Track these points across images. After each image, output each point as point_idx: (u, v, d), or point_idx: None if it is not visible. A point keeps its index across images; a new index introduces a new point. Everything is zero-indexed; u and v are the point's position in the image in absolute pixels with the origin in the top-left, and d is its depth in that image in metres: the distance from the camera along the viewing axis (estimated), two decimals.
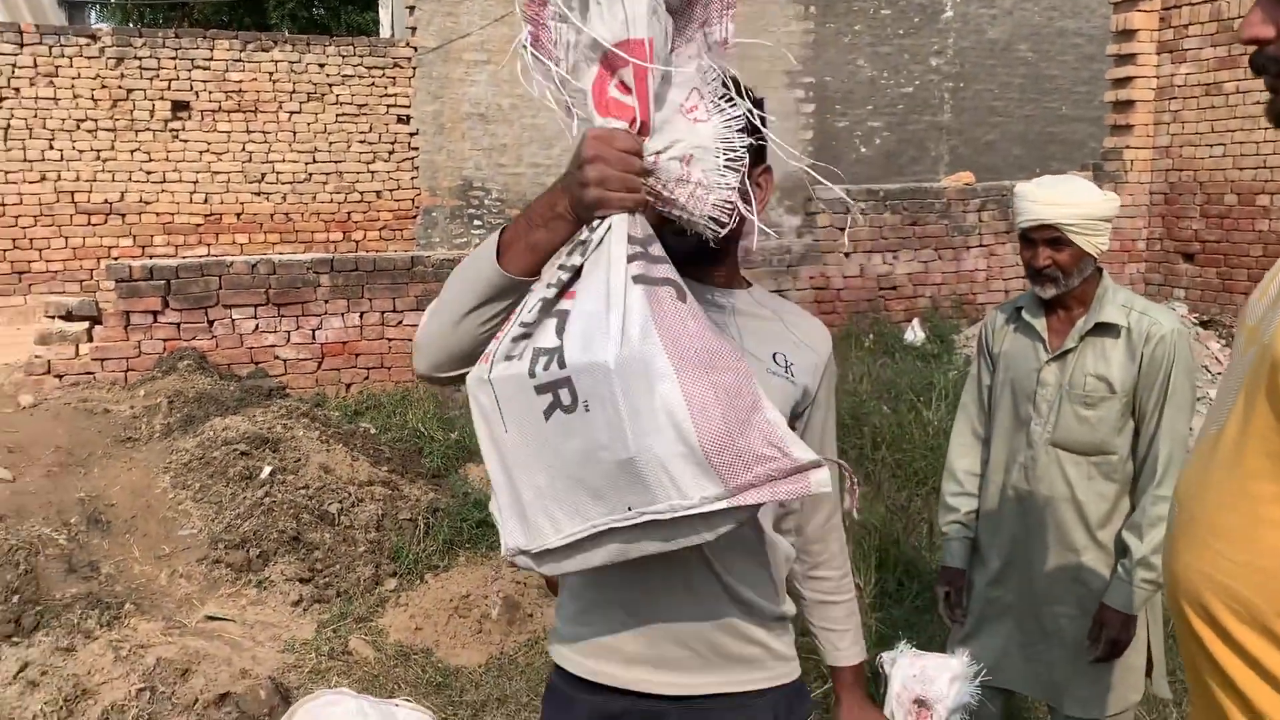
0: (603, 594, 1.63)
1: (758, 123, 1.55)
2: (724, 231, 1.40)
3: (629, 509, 1.30)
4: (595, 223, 1.32)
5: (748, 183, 1.50)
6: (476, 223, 11.40)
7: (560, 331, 1.29)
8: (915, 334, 8.34)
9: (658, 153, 1.31)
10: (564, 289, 1.33)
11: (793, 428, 1.70)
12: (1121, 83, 9.17)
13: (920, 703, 2.29)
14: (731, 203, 1.35)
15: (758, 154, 1.62)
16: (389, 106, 11.10)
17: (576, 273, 1.32)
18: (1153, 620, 2.64)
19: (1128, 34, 9.05)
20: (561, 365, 1.27)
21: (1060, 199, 2.51)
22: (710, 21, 1.35)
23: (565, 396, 1.28)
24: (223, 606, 4.56)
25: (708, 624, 1.60)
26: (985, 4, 13.32)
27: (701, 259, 1.59)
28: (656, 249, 1.33)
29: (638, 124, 1.29)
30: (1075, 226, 2.49)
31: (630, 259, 1.29)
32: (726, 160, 1.35)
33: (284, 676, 3.99)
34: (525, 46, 1.36)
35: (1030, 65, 13.60)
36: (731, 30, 1.35)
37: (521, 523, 1.38)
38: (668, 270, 1.32)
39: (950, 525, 2.84)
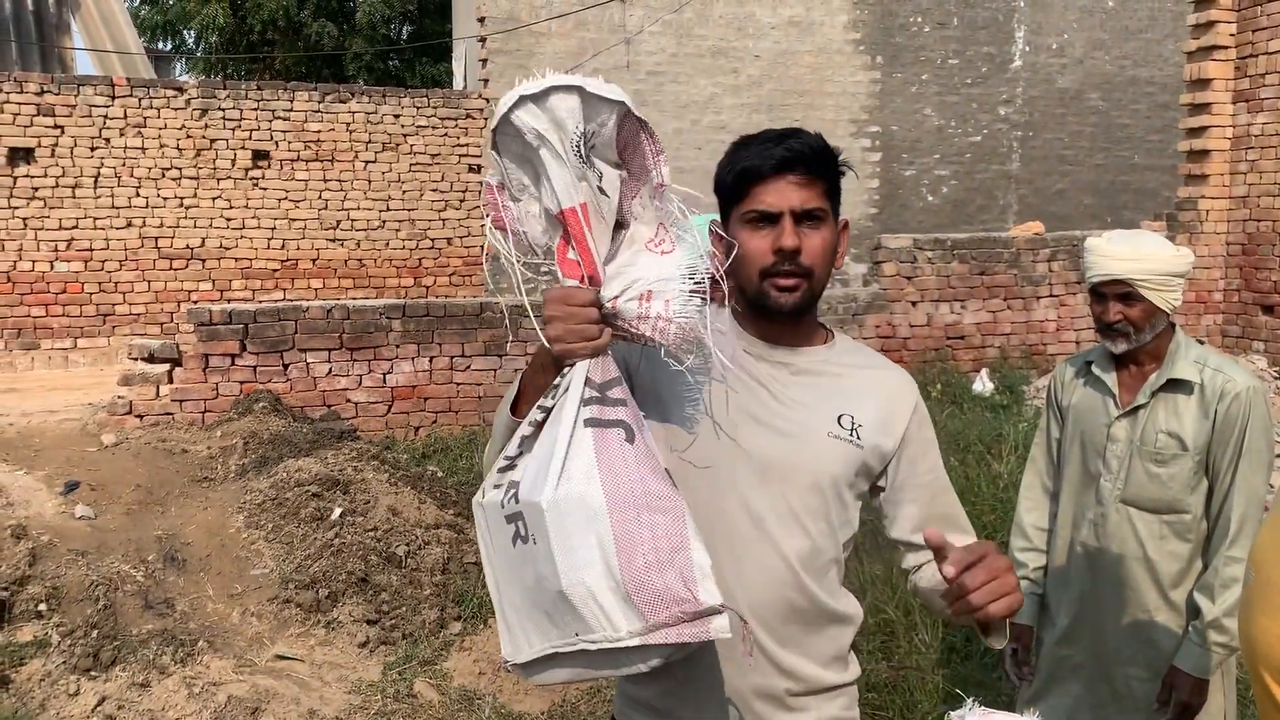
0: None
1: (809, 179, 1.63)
2: (687, 361, 1.50)
3: (575, 634, 1.39)
4: (565, 369, 1.46)
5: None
6: (544, 270, 11.55)
7: (525, 468, 1.45)
8: (984, 384, 8.25)
9: (614, 298, 1.45)
10: (539, 428, 1.47)
11: (875, 489, 1.71)
12: (1196, 132, 9.04)
13: None
14: (696, 332, 1.45)
15: (835, 210, 1.66)
16: (461, 156, 11.36)
17: (549, 414, 1.47)
18: (1227, 686, 2.57)
19: (1202, 83, 8.94)
20: (516, 500, 1.42)
21: (1132, 254, 2.49)
22: (648, 170, 1.46)
23: (521, 528, 1.42)
24: (292, 646, 4.64)
25: (751, 693, 1.62)
26: (1055, 54, 13.25)
27: (774, 320, 1.64)
28: (617, 391, 1.45)
29: (586, 279, 1.44)
30: (1147, 282, 2.47)
31: (586, 402, 1.43)
32: (691, 287, 1.45)
33: (350, 718, 4.04)
34: (489, 229, 1.54)
35: (1101, 114, 13.48)
36: (666, 173, 1.46)
37: (509, 634, 1.50)
38: (622, 412, 1.43)
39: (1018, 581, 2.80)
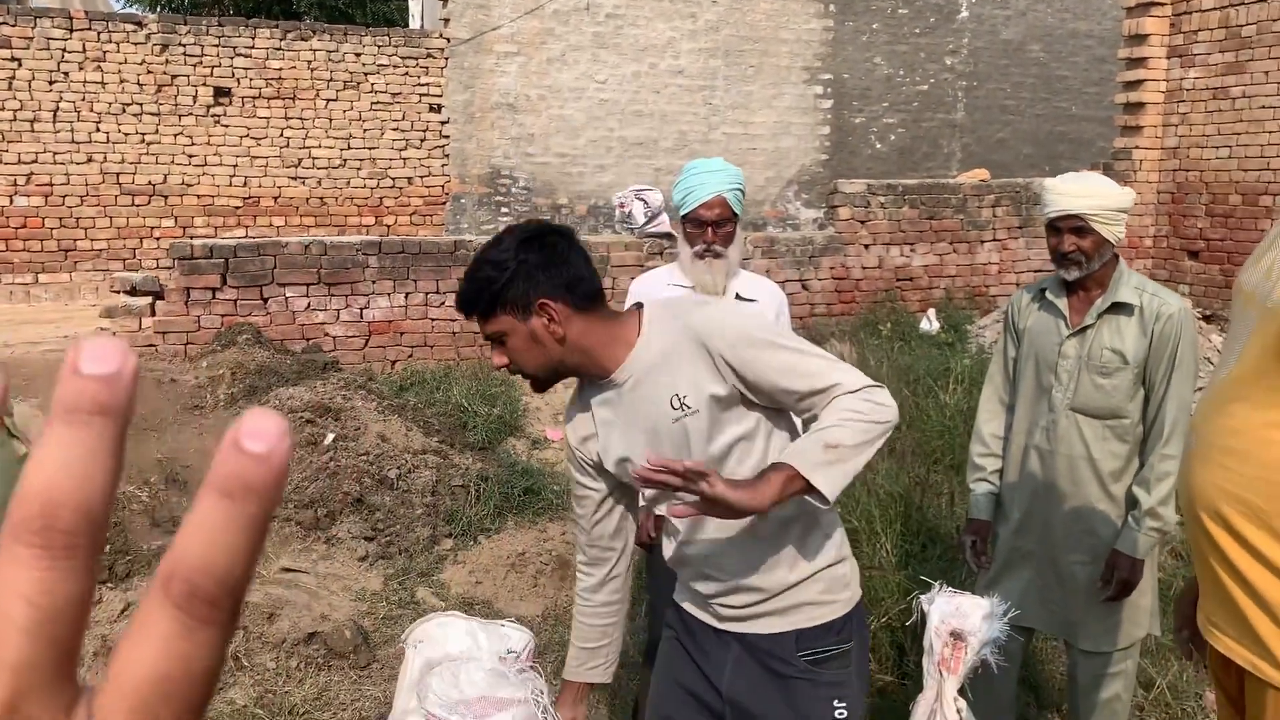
0: (676, 564, 2.21)
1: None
2: None
3: None
4: None
5: None
6: (504, 210, 11.76)
7: None
8: (930, 324, 8.70)
9: None
10: None
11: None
12: (1132, 85, 9.51)
13: (956, 635, 2.57)
14: None
15: (519, 310, 1.99)
16: (421, 95, 11.45)
17: None
18: (1151, 567, 3.01)
19: (1139, 38, 9.38)
20: None
21: (1084, 192, 2.87)
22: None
23: None
24: (296, 560, 4.94)
25: (729, 593, 2.10)
26: (999, 5, 13.64)
27: (583, 372, 2.06)
28: None
29: None
30: (1097, 216, 2.85)
31: None
32: None
33: (362, 620, 4.37)
34: None
35: (1042, 66, 13.94)
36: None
37: None
38: None
39: (977, 482, 3.20)
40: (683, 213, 3.12)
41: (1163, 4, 9.24)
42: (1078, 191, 2.88)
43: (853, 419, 1.84)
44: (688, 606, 2.21)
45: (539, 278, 1.94)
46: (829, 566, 2.10)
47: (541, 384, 2.03)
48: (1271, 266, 1.56)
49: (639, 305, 2.07)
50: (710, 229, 3.06)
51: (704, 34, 12.23)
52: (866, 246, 8.97)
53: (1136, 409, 2.90)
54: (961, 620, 2.59)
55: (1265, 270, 1.57)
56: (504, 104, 11.65)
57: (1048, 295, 3.05)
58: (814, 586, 2.08)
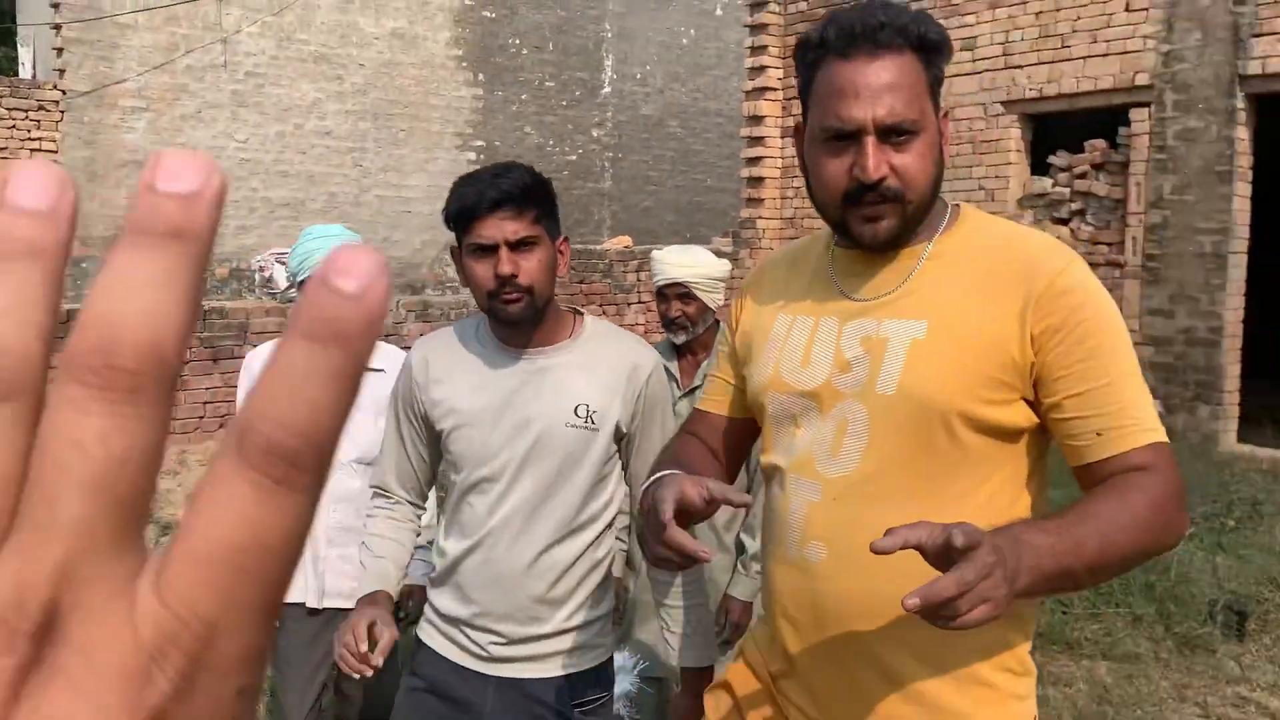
0: (447, 574, 2.06)
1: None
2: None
3: None
4: None
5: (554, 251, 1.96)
6: None
7: None
8: None
9: None
10: None
11: (624, 464, 2.02)
12: (753, 161, 10.42)
13: None
14: None
15: (551, 230, 1.96)
16: (33, 150, 10.41)
17: None
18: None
19: (757, 119, 10.32)
20: None
21: (688, 262, 3.09)
22: None
23: None
24: None
25: (504, 619, 1.97)
26: (639, 83, 14.54)
27: (519, 326, 1.93)
28: None
29: None
30: (700, 284, 3.07)
31: None
32: None
33: None
34: None
35: (680, 140, 14.97)
36: None
37: None
38: None
39: None
40: (299, 279, 3.03)
41: (775, 89, 10.23)
42: (682, 262, 3.09)
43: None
44: (442, 648, 2.02)
45: None
46: (605, 616, 2.04)
47: (529, 308, 1.88)
48: (836, 357, 1.53)
49: (577, 311, 2.05)
50: None
51: (352, 96, 12.06)
52: None
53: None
54: None
55: (832, 363, 1.53)
56: (132, 161, 10.84)
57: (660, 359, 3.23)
58: (590, 630, 2.01)
